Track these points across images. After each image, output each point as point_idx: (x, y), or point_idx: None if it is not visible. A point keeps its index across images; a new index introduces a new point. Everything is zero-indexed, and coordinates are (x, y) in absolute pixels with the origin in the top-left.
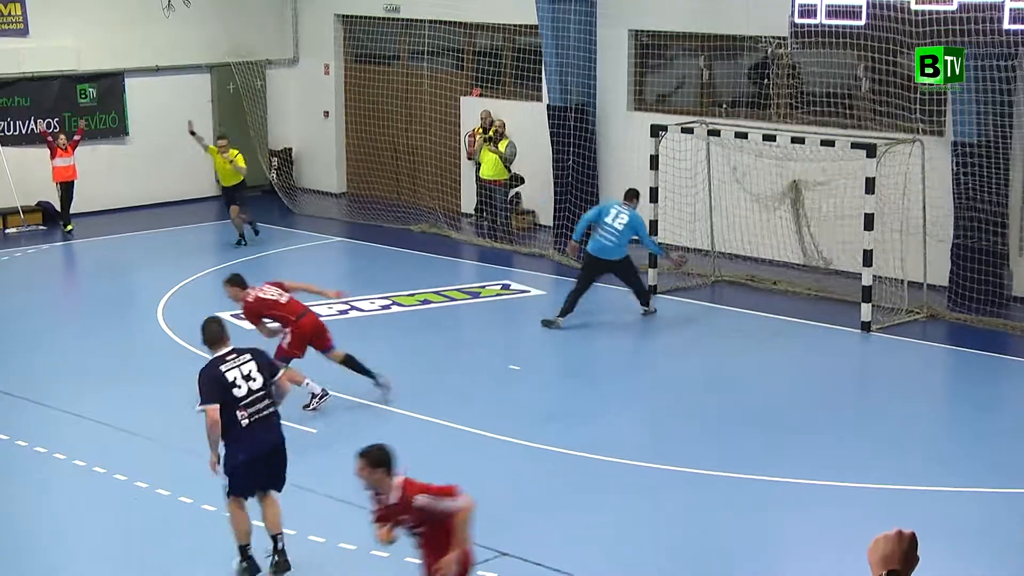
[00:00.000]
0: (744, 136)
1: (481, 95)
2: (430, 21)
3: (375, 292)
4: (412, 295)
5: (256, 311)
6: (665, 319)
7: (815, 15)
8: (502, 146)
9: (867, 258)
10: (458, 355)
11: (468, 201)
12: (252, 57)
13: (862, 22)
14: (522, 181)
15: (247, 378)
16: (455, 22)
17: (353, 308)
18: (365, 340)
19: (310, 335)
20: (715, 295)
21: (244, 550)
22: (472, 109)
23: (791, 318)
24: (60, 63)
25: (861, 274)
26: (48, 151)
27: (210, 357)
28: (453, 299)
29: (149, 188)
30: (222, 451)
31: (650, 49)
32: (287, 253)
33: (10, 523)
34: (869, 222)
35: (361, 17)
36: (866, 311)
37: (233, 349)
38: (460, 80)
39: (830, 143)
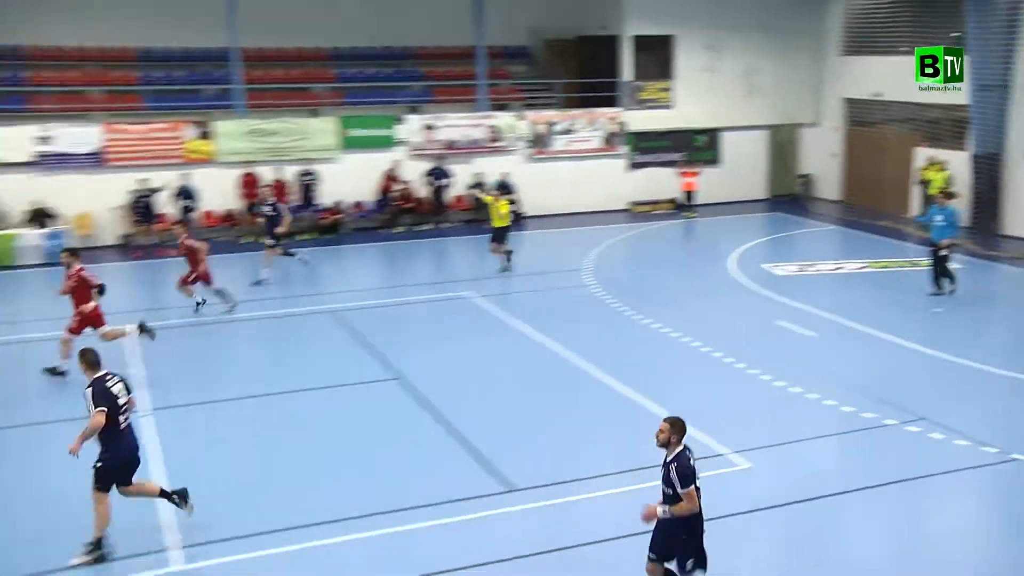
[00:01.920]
0: None
1: (929, 146)
2: (898, 102)
3: (856, 258)
4: (878, 261)
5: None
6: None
7: None
8: (944, 175)
9: None
10: (902, 298)
11: (913, 208)
12: (792, 121)
13: None
14: (956, 196)
15: (122, 391)
16: (911, 102)
17: (840, 268)
18: (848, 288)
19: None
20: None
21: (100, 541)
22: (920, 155)
23: None
24: (687, 123)
25: None
26: (678, 173)
27: (93, 377)
28: (902, 267)
29: (732, 192)
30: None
31: None
32: (801, 235)
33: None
34: None
35: (858, 99)
36: None
37: (108, 372)
38: (913, 138)
39: None
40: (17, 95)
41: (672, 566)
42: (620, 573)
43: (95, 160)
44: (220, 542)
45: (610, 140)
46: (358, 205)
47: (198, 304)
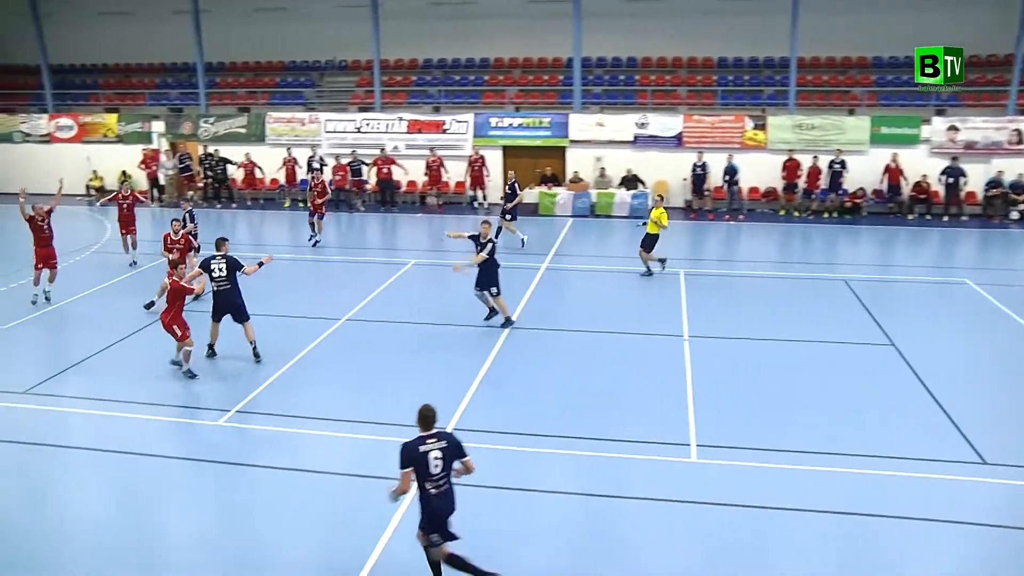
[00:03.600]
0: None
1: None
2: None
3: None
4: None
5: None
6: None
7: None
8: None
9: None
10: None
11: None
12: None
13: None
14: None
15: (220, 268)
16: None
17: None
18: None
19: None
20: None
21: (212, 346)
22: None
23: None
24: None
25: None
26: None
27: (210, 254)
28: None
29: None
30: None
31: None
32: None
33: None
34: None
35: None
36: None
37: (223, 255)
38: None
39: None
40: (628, 92)
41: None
42: None
43: (676, 142)
44: (725, 448)
45: None
46: (877, 192)
47: None
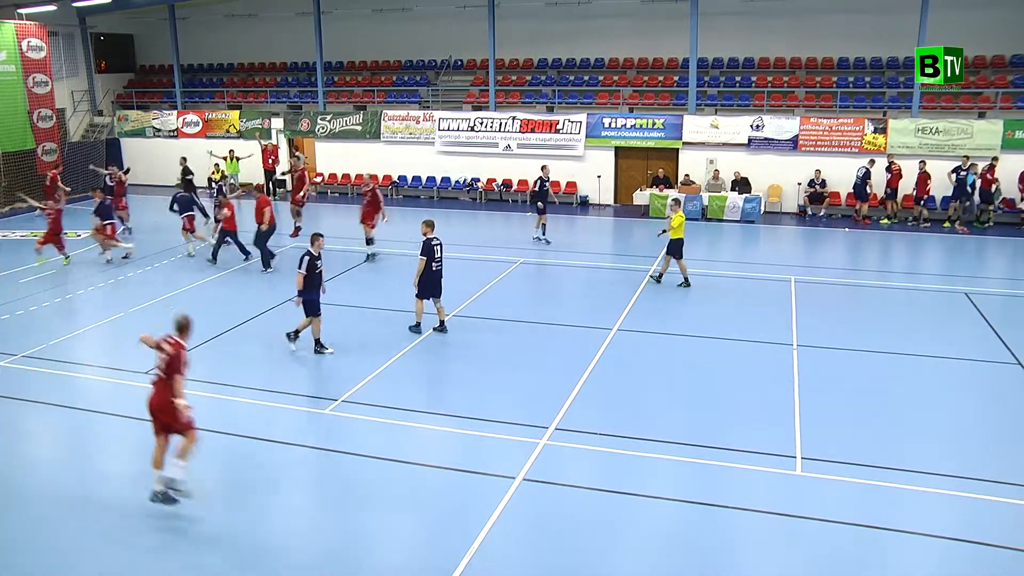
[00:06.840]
0: None
1: None
2: None
3: None
4: None
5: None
6: None
7: None
8: None
9: None
10: None
11: None
12: None
13: None
14: None
15: (319, 260)
16: None
17: None
18: None
19: None
20: None
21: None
22: None
23: None
24: None
25: None
26: None
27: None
28: None
29: None
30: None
31: None
32: None
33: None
34: None
35: None
36: None
37: (318, 252)
38: None
39: None
40: (744, 94)
41: None
42: None
43: (791, 145)
44: (832, 463)
45: None
46: (1007, 202)
47: None
